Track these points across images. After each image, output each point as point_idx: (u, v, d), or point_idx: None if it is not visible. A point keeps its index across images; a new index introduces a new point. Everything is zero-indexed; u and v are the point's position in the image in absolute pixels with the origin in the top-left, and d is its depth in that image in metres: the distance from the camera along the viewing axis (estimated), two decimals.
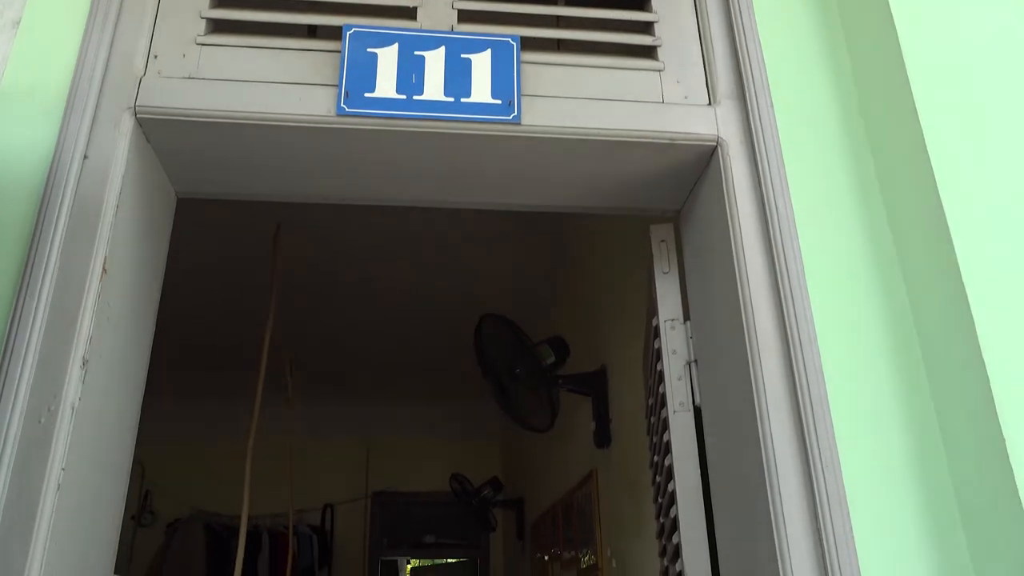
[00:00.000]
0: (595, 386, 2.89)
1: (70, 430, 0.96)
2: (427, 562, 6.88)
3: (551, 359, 2.89)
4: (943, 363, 1.12)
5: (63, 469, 0.94)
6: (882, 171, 1.28)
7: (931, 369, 1.14)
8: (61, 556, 0.94)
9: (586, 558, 3.11)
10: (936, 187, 1.13)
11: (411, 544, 6.39)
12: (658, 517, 1.64)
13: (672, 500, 1.32)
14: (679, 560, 1.28)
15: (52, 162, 1.07)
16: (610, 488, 2.84)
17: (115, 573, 1.15)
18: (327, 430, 6.03)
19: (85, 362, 0.99)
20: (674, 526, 1.32)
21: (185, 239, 3.05)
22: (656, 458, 1.61)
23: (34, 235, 1.03)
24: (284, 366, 2.91)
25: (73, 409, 0.97)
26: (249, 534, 5.86)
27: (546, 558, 4.12)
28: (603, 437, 2.82)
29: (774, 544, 1.02)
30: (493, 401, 3.09)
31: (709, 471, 1.31)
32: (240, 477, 4.90)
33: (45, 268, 1.01)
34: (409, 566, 7.40)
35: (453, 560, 6.61)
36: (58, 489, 0.93)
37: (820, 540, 1.00)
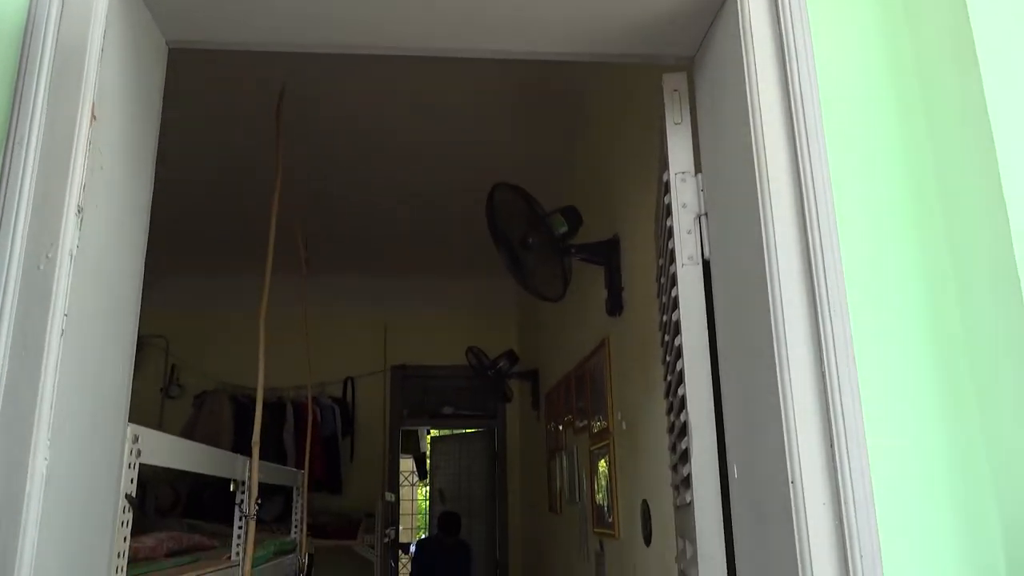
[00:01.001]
0: (608, 255, 2.87)
1: (70, 277, 0.95)
2: (446, 432, 7.13)
3: (564, 228, 2.86)
4: (960, 203, 1.08)
5: (66, 315, 0.94)
6: (910, 9, 1.20)
7: (949, 217, 1.11)
8: (71, 402, 0.95)
9: (597, 423, 3.19)
10: (967, 12, 1.06)
11: (430, 415, 6.60)
12: (666, 377, 1.66)
13: (679, 355, 1.32)
14: (684, 411, 1.29)
15: (31, 2, 1.02)
16: (622, 355, 2.87)
17: (129, 422, 1.18)
18: (344, 305, 6.12)
19: (80, 210, 0.98)
20: (680, 380, 1.32)
21: (193, 98, 3.03)
22: (665, 317, 1.61)
23: (18, 80, 1.00)
24: (299, 240, 2.91)
25: (71, 256, 0.96)
26: (273, 406, 6.08)
27: (560, 427, 4.24)
28: (615, 305, 2.83)
29: (778, 393, 1.02)
30: (509, 275, 3.09)
31: (716, 326, 1.30)
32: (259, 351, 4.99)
33: (32, 114, 0.98)
34: (429, 436, 7.69)
35: (471, 430, 6.84)
36: (62, 335, 0.93)
37: (824, 387, 1.00)
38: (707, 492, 1.18)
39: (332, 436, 6.10)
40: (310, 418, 3.09)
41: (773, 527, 1.01)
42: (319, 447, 5.93)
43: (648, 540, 2.43)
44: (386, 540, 5.26)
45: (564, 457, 4.06)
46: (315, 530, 5.00)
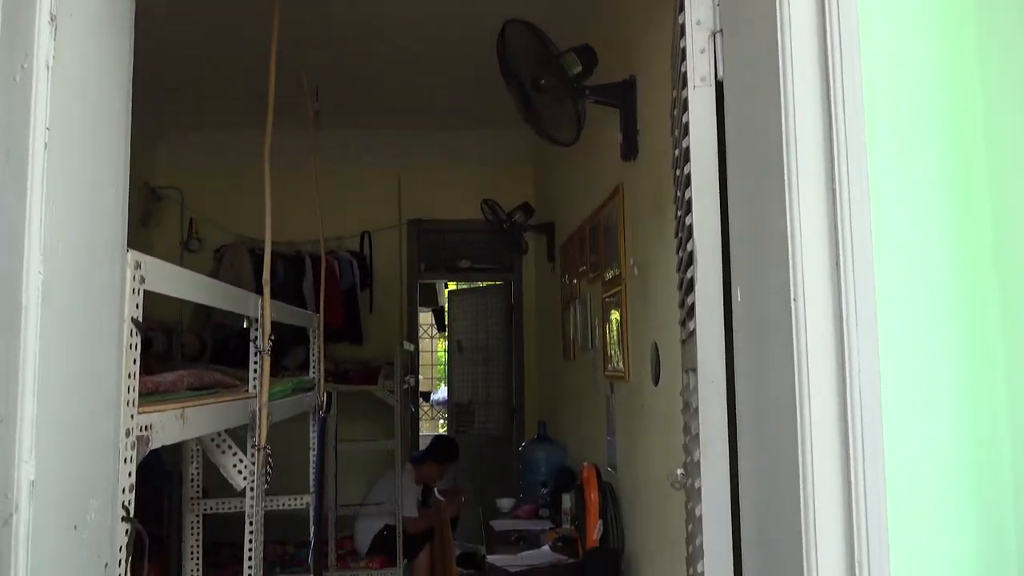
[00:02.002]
0: (623, 97, 2.77)
1: (48, 88, 0.92)
2: (463, 285, 7.21)
3: (578, 68, 2.74)
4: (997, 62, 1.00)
5: (48, 128, 0.91)
6: None
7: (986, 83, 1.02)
8: (62, 219, 0.94)
9: (610, 272, 3.20)
10: None
11: (447, 268, 6.66)
12: (676, 213, 1.62)
13: (687, 183, 1.28)
14: (691, 240, 1.27)
15: None
16: (635, 201, 2.83)
17: (129, 248, 1.17)
18: (358, 159, 6.05)
19: (53, 18, 0.93)
20: (688, 209, 1.29)
21: None
22: (677, 152, 1.56)
23: None
24: (309, 93, 2.82)
25: (48, 67, 0.92)
26: (292, 259, 6.14)
27: (574, 280, 4.27)
28: (630, 150, 2.76)
29: (786, 214, 0.99)
30: (524, 126, 3.00)
31: (727, 152, 1.25)
32: (279, 205, 5.00)
33: None
34: (447, 290, 7.79)
35: (488, 283, 6.91)
36: (46, 148, 0.91)
37: (835, 208, 0.96)
38: (710, 315, 1.18)
39: (351, 289, 6.19)
40: (323, 266, 3.11)
41: (773, 346, 1.00)
42: (339, 299, 6.05)
43: (656, 380, 2.48)
44: (405, 387, 5.45)
45: (578, 306, 4.11)
46: (337, 376, 5.18)
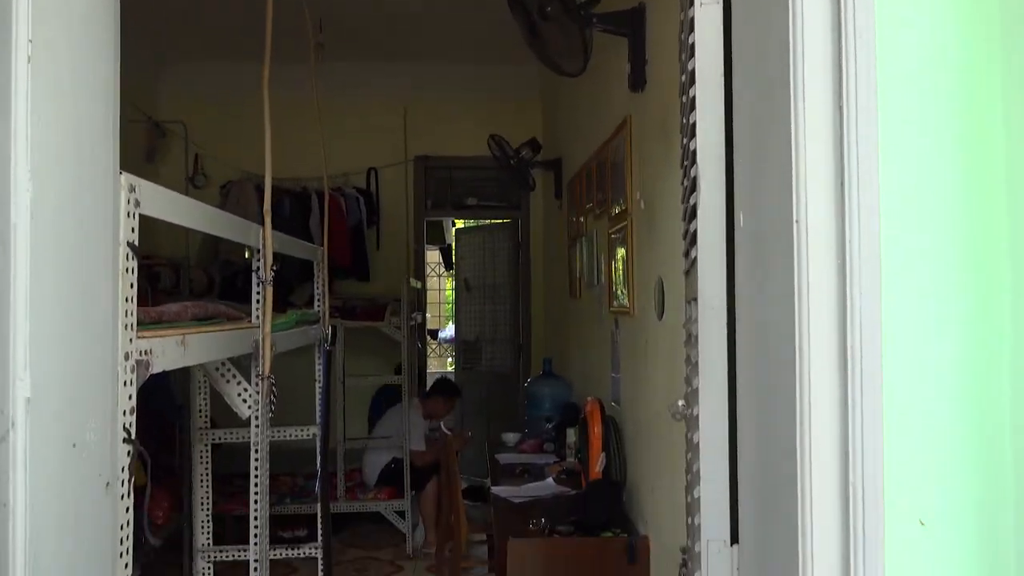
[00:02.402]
0: (632, 25, 2.70)
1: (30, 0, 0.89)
2: (471, 223, 7.18)
3: None
4: None
5: (30, 41, 0.88)
6: None
7: None
8: (49, 142, 0.92)
9: (617, 207, 3.16)
10: None
11: (454, 206, 6.62)
12: (682, 140, 1.59)
13: (692, 107, 1.25)
14: (695, 167, 1.24)
15: None
16: (643, 134, 2.78)
17: (122, 171, 1.16)
18: (364, 94, 5.97)
19: None
20: (692, 134, 1.26)
21: None
22: (683, 77, 1.52)
23: None
24: (312, 25, 2.75)
25: None
26: (298, 195, 6.11)
27: (581, 219, 4.24)
28: (638, 80, 2.70)
29: (790, 124, 0.96)
30: (532, 60, 2.93)
31: (732, 73, 1.21)
32: (284, 141, 4.94)
33: None
34: (454, 228, 7.77)
35: (495, 221, 6.88)
36: (29, 62, 0.88)
37: (840, 120, 0.93)
38: (712, 241, 1.16)
39: (358, 225, 6.18)
40: (326, 200, 3.08)
41: (774, 271, 0.99)
42: (346, 236, 6.04)
43: (661, 315, 2.47)
44: (412, 323, 5.47)
45: (584, 243, 4.09)
46: (344, 312, 5.21)
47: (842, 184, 0.91)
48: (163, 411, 4.74)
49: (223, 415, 2.81)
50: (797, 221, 0.92)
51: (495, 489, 3.39)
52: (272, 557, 2.71)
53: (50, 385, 0.92)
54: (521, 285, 6.46)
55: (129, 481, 1.17)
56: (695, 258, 1.22)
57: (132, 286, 1.19)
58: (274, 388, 1.93)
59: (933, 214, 0.95)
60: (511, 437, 4.63)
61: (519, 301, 6.46)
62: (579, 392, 4.43)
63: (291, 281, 5.53)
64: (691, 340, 1.47)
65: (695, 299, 1.42)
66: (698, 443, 1.19)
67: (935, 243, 0.94)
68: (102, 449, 1.05)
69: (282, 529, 5.14)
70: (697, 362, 1.23)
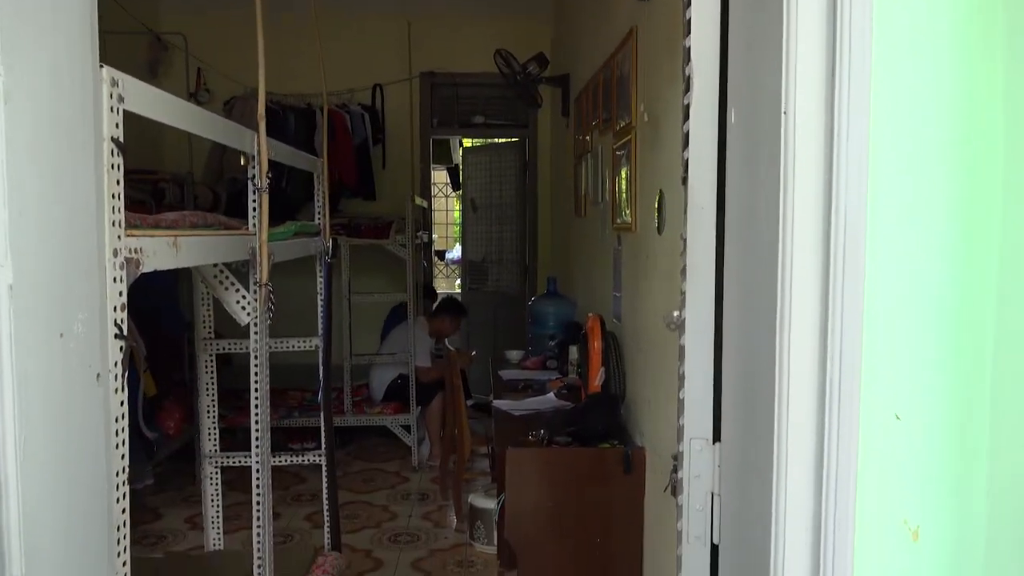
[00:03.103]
0: None
1: None
2: (478, 142, 7.10)
3: None
4: None
5: None
6: None
7: None
8: (16, 28, 0.90)
9: (621, 122, 3.11)
10: None
11: (460, 124, 6.53)
12: (684, 47, 1.55)
13: (689, 2, 1.21)
14: (689, 64, 1.21)
15: None
16: (648, 45, 2.71)
17: (101, 63, 1.14)
18: (367, 5, 5.82)
19: None
20: (688, 30, 1.22)
21: None
22: None
23: None
24: None
25: None
26: (303, 112, 6.02)
27: (587, 137, 4.17)
28: None
29: (782, 23, 0.92)
30: None
31: None
32: (288, 55, 4.83)
33: None
34: (461, 148, 7.68)
35: (502, 140, 6.80)
36: None
37: (834, 12, 0.90)
38: (703, 138, 1.14)
39: (363, 144, 6.12)
40: (324, 111, 3.04)
41: (761, 165, 0.97)
42: (351, 154, 5.99)
43: (660, 229, 2.46)
44: (418, 242, 5.48)
45: (589, 160, 4.04)
46: (349, 230, 5.21)
47: (833, 75, 0.88)
48: (173, 329, 4.82)
49: (229, 330, 2.84)
50: (785, 112, 0.90)
51: (496, 403, 3.45)
52: (277, 463, 2.78)
53: (33, 274, 0.92)
54: (528, 205, 6.42)
55: (122, 376, 1.19)
56: (687, 159, 1.20)
57: (118, 183, 1.18)
58: (272, 296, 1.94)
59: (924, 115, 0.92)
60: (514, 355, 4.68)
61: (525, 221, 6.43)
62: (583, 311, 4.46)
63: (296, 200, 5.52)
64: (686, 248, 1.46)
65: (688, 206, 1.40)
66: (683, 345, 1.19)
67: (923, 147, 0.91)
68: (91, 341, 1.06)
69: (291, 441, 5.28)
70: (686, 266, 1.22)
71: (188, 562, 2.68)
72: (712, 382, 1.11)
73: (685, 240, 1.30)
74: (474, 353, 5.64)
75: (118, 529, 1.17)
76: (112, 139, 1.16)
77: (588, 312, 3.96)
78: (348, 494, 4.60)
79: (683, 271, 1.40)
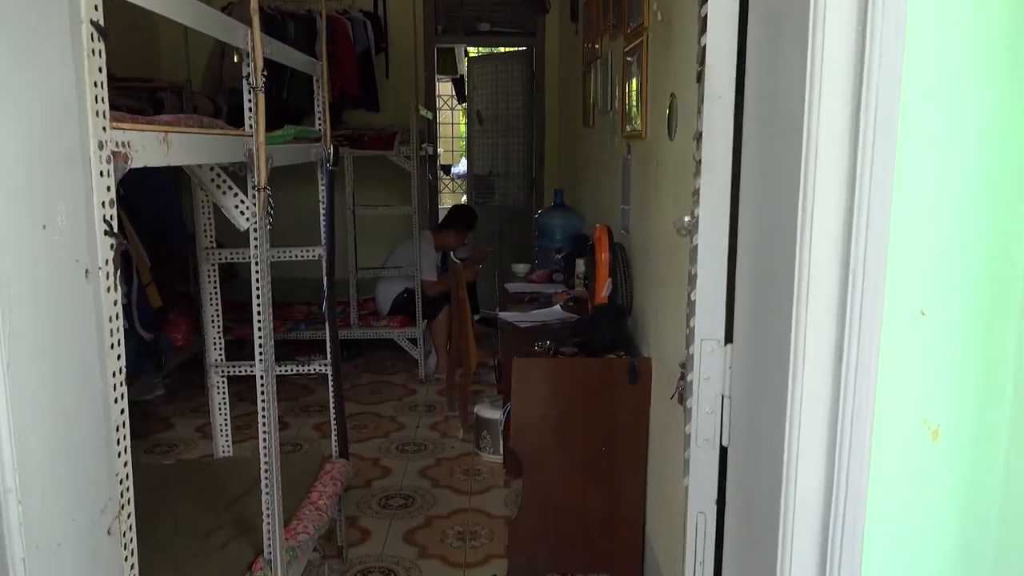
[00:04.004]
0: None
1: None
2: (484, 51, 6.89)
3: None
4: None
5: None
6: None
7: None
8: None
9: (632, 24, 2.98)
10: None
11: (465, 32, 6.32)
12: None
13: None
14: None
15: None
16: None
17: None
18: None
19: None
20: None
21: None
22: None
23: None
24: None
25: None
26: (303, 19, 5.82)
27: (596, 45, 4.02)
28: None
29: None
30: None
31: None
32: None
33: None
34: (466, 58, 7.45)
35: (509, 49, 6.59)
36: None
37: None
38: (722, 22, 1.05)
39: (366, 52, 5.93)
40: (323, 21, 2.92)
41: (787, 46, 0.90)
42: (353, 63, 5.81)
43: (672, 134, 2.37)
44: (423, 154, 5.37)
45: (599, 67, 3.90)
46: (352, 141, 5.10)
47: None
48: (177, 241, 4.78)
49: (231, 240, 2.80)
50: None
51: (502, 315, 3.43)
52: (282, 373, 2.79)
53: (9, 161, 0.87)
54: (535, 116, 6.27)
55: (115, 275, 1.15)
56: (704, 45, 1.12)
57: (101, 70, 1.11)
58: (271, 201, 1.89)
59: None
60: (521, 268, 4.64)
61: (532, 133, 6.29)
62: (591, 224, 4.39)
63: (299, 110, 5.39)
64: (700, 143, 1.39)
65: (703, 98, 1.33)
66: (696, 245, 1.14)
67: (964, 15, 0.84)
68: (77, 235, 1.02)
69: (298, 354, 5.31)
70: (701, 161, 1.16)
71: (197, 468, 2.72)
72: (725, 282, 1.06)
73: (700, 135, 1.23)
74: (490, 250, 5.58)
75: (117, 430, 1.15)
76: (92, 22, 1.09)
77: (596, 224, 3.90)
78: (356, 405, 4.65)
79: (697, 168, 1.34)
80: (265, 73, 1.86)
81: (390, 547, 3.03)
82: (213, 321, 2.76)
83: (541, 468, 2.75)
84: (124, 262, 3.98)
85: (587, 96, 4.41)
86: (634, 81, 2.96)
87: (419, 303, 5.13)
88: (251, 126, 1.87)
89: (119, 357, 1.17)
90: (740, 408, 1.06)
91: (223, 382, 2.76)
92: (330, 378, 2.78)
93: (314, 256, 2.75)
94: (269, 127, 2.01)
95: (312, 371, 2.80)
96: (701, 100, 1.33)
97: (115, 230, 1.15)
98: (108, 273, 1.14)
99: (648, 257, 2.74)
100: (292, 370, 2.79)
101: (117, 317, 1.17)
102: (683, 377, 1.85)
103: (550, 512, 2.76)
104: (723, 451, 1.09)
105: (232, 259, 2.71)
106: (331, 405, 2.80)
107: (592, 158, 4.37)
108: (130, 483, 1.20)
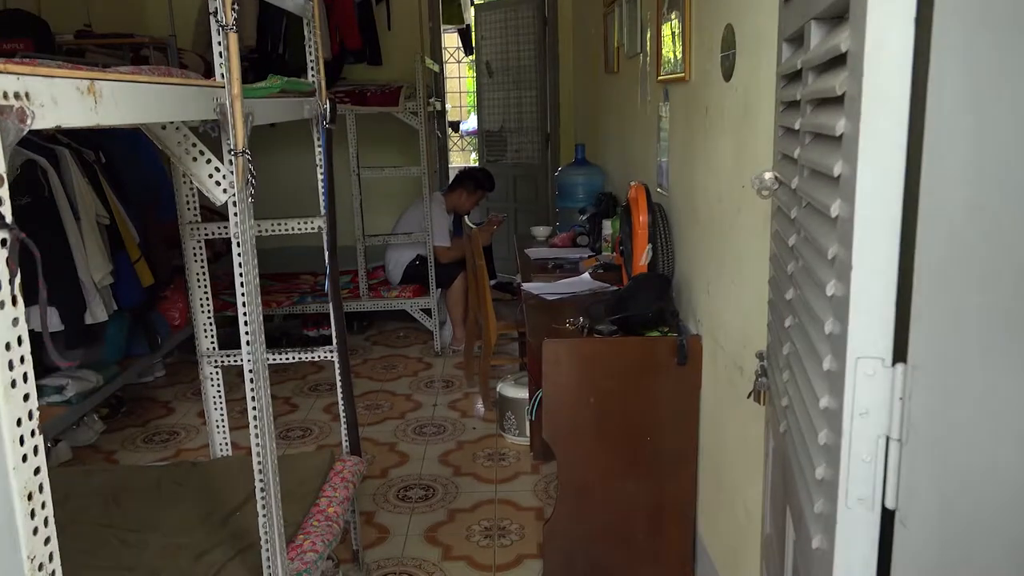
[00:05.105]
0: None
1: None
2: None
3: None
4: None
5: None
6: None
7: None
8: None
9: None
10: None
11: None
12: None
13: None
14: None
15: None
16: None
17: None
18: None
19: None
20: None
21: None
22: None
23: None
24: None
25: None
26: None
27: None
28: None
29: None
30: None
31: None
32: None
33: None
34: (473, 6, 6.99)
35: None
36: None
37: None
38: None
39: (365, 2, 5.50)
40: None
41: None
42: (353, 14, 5.39)
43: (728, 74, 1.99)
44: (430, 110, 4.98)
45: (624, 5, 3.49)
46: (354, 97, 4.72)
47: None
48: (170, 214, 4.43)
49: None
50: None
51: (526, 286, 3.09)
52: (280, 362, 2.47)
53: None
54: (549, 66, 5.84)
55: (11, 283, 0.81)
56: None
57: None
58: (251, 166, 1.54)
59: None
60: (541, 231, 4.29)
61: (547, 84, 5.87)
62: (616, 181, 4.02)
63: (295, 69, 5.00)
64: (824, 70, 1.03)
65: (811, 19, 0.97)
66: (841, 216, 0.79)
67: None
68: None
69: (306, 327, 5.01)
70: (846, 94, 0.80)
71: (191, 472, 2.42)
72: (896, 274, 0.72)
73: (844, 53, 0.87)
74: (504, 216, 5.23)
75: (30, 498, 0.82)
76: None
77: (623, 183, 3.53)
78: (369, 383, 4.35)
79: (815, 103, 0.98)
80: (236, 8, 1.50)
81: (411, 548, 2.74)
82: (202, 305, 2.44)
83: (578, 461, 2.43)
84: (110, 237, 3.65)
85: (609, 40, 4.00)
86: (673, 15, 2.56)
87: (431, 271, 4.80)
88: (223, 75, 1.51)
89: (26, 398, 0.83)
90: (924, 460, 0.72)
91: (217, 373, 2.45)
92: (337, 367, 2.46)
93: (313, 228, 2.41)
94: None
95: (317, 359, 2.48)
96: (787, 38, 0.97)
97: (6, 219, 0.81)
98: (4, 282, 0.80)
99: (695, 218, 2.38)
100: (292, 358, 2.47)
101: (21, 342, 0.83)
102: (765, 374, 1.51)
103: (589, 509, 2.45)
104: (887, 514, 0.76)
105: (219, 235, 2.37)
106: (339, 398, 2.48)
107: (616, 108, 3.98)
108: (55, 566, 0.87)
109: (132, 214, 3.70)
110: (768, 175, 1.40)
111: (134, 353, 3.88)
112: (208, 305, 2.45)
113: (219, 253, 5.77)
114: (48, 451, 3.35)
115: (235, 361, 2.42)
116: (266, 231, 2.48)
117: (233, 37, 1.49)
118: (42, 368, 3.53)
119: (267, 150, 5.59)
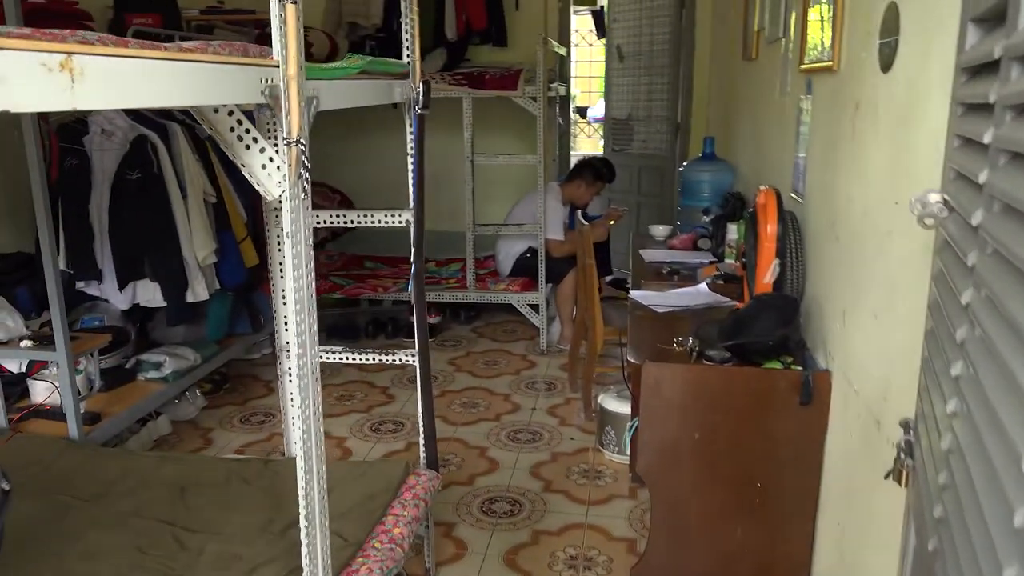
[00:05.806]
0: None
1: None
2: None
3: None
4: None
5: None
6: None
7: None
8: None
9: None
10: None
11: None
12: None
13: None
14: None
15: None
16: None
17: None
18: None
19: None
20: None
21: None
22: None
23: None
24: None
25: None
26: None
27: None
28: None
29: None
30: None
31: None
32: None
33: None
34: None
35: None
36: None
37: None
38: None
39: None
40: None
41: None
42: None
43: (887, 64, 1.63)
44: (552, 95, 4.72)
45: None
46: (472, 80, 4.53)
47: None
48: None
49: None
50: None
51: (635, 294, 2.80)
52: (358, 362, 2.31)
53: None
54: (683, 51, 5.44)
55: None
56: None
57: None
58: (305, 157, 1.35)
59: None
60: (660, 230, 3.97)
61: (679, 70, 5.47)
62: (747, 180, 3.64)
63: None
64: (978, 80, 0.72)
65: None
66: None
67: None
68: None
69: (410, 314, 4.90)
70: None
71: (263, 469, 2.31)
72: None
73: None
74: (625, 209, 4.94)
75: None
76: None
77: (755, 182, 3.16)
78: (469, 378, 4.19)
79: (1019, 109, 0.67)
80: None
81: (488, 569, 2.53)
82: (284, 296, 2.31)
83: (676, 502, 2.14)
84: (216, 216, 3.64)
85: (749, 23, 3.61)
86: None
87: (542, 265, 4.56)
88: (281, 52, 1.32)
89: None
90: None
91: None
92: (418, 375, 2.27)
93: (400, 222, 2.23)
94: None
95: (397, 362, 2.30)
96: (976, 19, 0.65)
97: None
98: None
99: (835, 234, 2.02)
100: (371, 359, 2.30)
101: None
102: (909, 452, 1.18)
103: (685, 557, 2.16)
104: None
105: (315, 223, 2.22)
106: (419, 410, 2.30)
107: (752, 99, 3.59)
108: None
109: (242, 193, 3.67)
110: (934, 198, 1.07)
111: (237, 332, 3.88)
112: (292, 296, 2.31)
113: (336, 233, 5.77)
114: (147, 423, 3.37)
115: (328, 357, 2.29)
116: (353, 222, 2.32)
117: (291, 9, 1.30)
118: (146, 342, 3.57)
119: (371, 132, 5.51)
